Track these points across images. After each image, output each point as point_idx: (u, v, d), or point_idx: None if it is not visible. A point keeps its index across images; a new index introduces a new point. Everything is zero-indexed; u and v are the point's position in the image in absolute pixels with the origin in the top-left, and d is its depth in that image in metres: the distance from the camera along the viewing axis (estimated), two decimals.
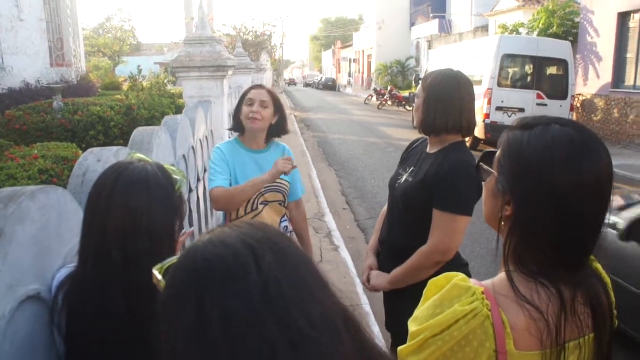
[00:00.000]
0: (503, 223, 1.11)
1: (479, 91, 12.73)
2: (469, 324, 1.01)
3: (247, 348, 0.64)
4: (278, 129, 2.94)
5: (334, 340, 0.67)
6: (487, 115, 12.36)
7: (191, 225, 3.93)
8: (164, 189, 1.39)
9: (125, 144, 2.77)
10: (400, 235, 2.34)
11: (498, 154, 1.15)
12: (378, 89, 29.08)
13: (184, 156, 3.60)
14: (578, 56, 14.81)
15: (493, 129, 12.17)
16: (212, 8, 25.72)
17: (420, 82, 2.39)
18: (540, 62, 12.64)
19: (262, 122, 2.80)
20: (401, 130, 16.55)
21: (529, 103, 12.32)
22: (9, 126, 8.91)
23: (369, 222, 7.16)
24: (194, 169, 4.08)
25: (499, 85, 12.46)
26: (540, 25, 16.26)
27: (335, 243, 6.08)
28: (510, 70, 13.13)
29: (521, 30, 17.44)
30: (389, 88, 26.54)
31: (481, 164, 1.23)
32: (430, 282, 1.12)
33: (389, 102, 25.09)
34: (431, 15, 29.56)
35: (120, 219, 1.31)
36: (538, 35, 15.88)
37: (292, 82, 65.70)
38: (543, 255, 1.04)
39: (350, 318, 0.74)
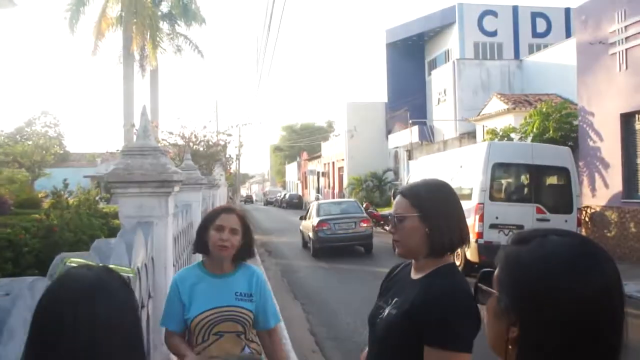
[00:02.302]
0: (510, 347, 1.14)
1: (468, 206, 12.82)
2: None
3: None
4: (245, 252, 3.22)
5: None
6: (480, 235, 12.31)
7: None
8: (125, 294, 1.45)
9: (41, 274, 2.70)
10: None
11: (497, 271, 1.20)
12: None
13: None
14: (581, 163, 15.26)
15: (487, 250, 11.99)
16: (156, 113, 26.46)
17: (402, 199, 2.30)
18: (537, 171, 12.97)
19: (232, 250, 3.09)
20: (380, 255, 16.57)
21: (528, 218, 12.44)
22: None
23: None
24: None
25: (492, 199, 12.61)
26: (534, 130, 16.87)
27: None
28: (504, 181, 13.43)
29: (513, 135, 18.04)
30: (364, 205, 26.96)
31: (479, 284, 1.28)
32: None
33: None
34: (410, 122, 30.78)
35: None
36: (532, 140, 16.43)
37: (249, 200, 66.57)
38: None
39: None
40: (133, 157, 5.00)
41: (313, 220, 17.97)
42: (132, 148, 5.00)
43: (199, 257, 4.25)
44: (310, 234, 17.97)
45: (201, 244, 3.21)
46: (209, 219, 3.17)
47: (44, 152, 35.11)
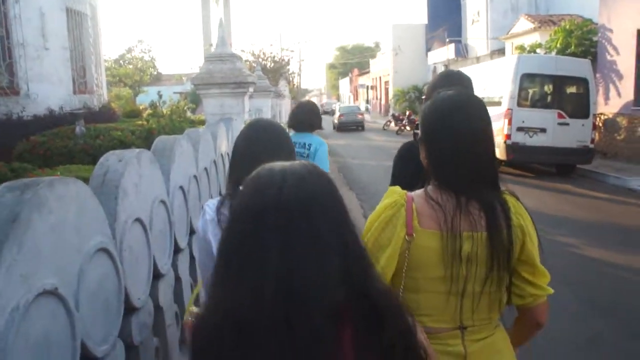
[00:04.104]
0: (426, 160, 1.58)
1: (499, 112, 12.53)
2: (390, 210, 1.50)
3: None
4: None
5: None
6: (508, 136, 12.09)
7: None
8: None
9: None
10: None
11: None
12: (396, 114, 29.02)
13: (205, 169, 3.53)
14: (598, 75, 14.57)
15: (514, 150, 11.95)
16: (230, 35, 26.12)
17: None
18: (560, 81, 12.39)
19: None
20: (369, 132, 16.34)
21: (550, 122, 12.06)
22: (33, 151, 8.98)
23: None
24: (216, 184, 4.00)
25: (519, 105, 12.21)
26: (558, 45, 16.03)
27: None
28: (530, 90, 12.91)
29: (538, 50, 17.23)
30: (407, 113, 26.48)
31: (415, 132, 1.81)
32: None
33: (407, 127, 24.97)
34: (447, 40, 29.52)
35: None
36: (556, 55, 15.69)
37: None
38: (443, 175, 1.50)
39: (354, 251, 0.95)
40: (213, 63, 4.92)
41: (336, 114, 31.38)
42: (212, 55, 4.91)
43: None
44: (335, 121, 30.33)
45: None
46: None
47: (141, 73, 35.47)
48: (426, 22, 36.19)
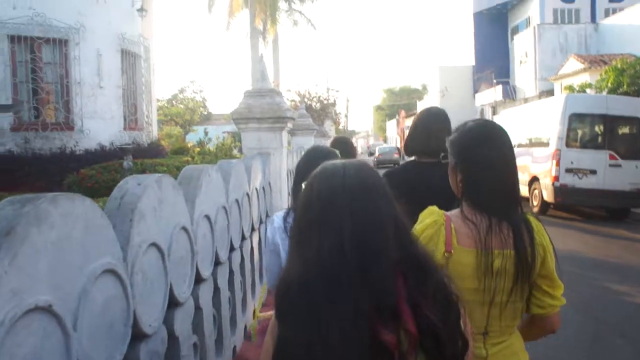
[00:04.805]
0: (460, 185, 1.76)
1: (547, 153, 12.19)
2: (432, 229, 1.67)
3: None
4: None
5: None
6: (556, 178, 11.67)
7: (242, 273, 3.78)
8: None
9: None
10: None
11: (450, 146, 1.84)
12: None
13: (237, 200, 3.51)
14: None
15: (563, 192, 11.52)
16: (278, 75, 26.73)
17: None
18: (610, 121, 11.93)
19: None
20: None
21: (601, 163, 11.60)
22: (81, 183, 9.30)
23: None
24: (248, 217, 3.98)
25: (568, 146, 11.82)
26: (609, 85, 15.57)
27: None
28: (579, 130, 12.51)
29: (588, 90, 16.79)
30: None
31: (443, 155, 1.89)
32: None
33: None
34: (494, 81, 29.29)
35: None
36: (607, 94, 15.24)
37: None
38: (476, 198, 1.69)
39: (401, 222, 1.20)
40: (253, 97, 4.97)
41: (376, 153, 35.90)
42: (252, 90, 4.97)
43: None
44: (374, 159, 33.53)
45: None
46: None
47: (192, 112, 36.55)
48: (473, 63, 36.12)
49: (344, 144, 4.09)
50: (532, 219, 1.70)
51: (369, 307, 1.06)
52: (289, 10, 28.56)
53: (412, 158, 2.72)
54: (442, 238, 1.65)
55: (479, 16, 34.55)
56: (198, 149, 15.35)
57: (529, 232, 1.65)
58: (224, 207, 3.08)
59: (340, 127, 41.64)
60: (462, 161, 1.75)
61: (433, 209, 1.74)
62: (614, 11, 26.70)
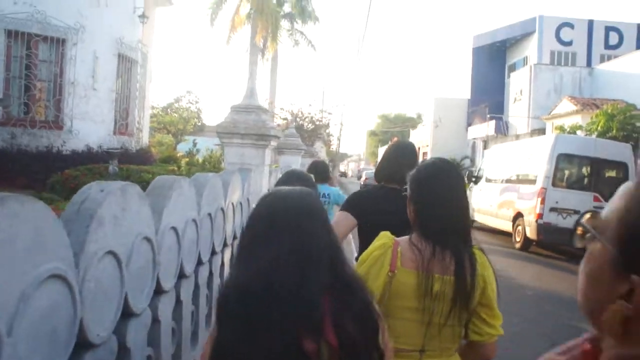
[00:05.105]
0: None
1: (532, 190, 12.30)
2: (380, 250, 1.86)
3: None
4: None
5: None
6: (540, 216, 11.79)
7: (210, 288, 3.74)
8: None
9: None
10: None
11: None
12: None
13: (209, 214, 3.49)
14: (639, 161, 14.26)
15: (546, 230, 11.62)
16: (274, 93, 26.87)
17: None
18: (598, 164, 12.14)
19: None
20: None
21: (586, 205, 11.68)
22: (64, 184, 9.23)
23: None
24: (221, 231, 3.95)
25: (554, 185, 11.96)
26: (599, 128, 15.85)
27: None
28: (566, 171, 12.66)
29: (578, 132, 17.04)
30: None
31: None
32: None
33: None
34: (488, 116, 29.59)
35: None
36: (596, 137, 15.45)
37: (343, 174, 67.35)
38: (424, 228, 1.86)
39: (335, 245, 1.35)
40: (239, 113, 4.99)
41: (363, 177, 34.76)
42: (239, 105, 4.99)
43: None
44: (362, 182, 32.64)
45: None
46: None
47: (186, 122, 36.47)
48: (469, 97, 36.50)
49: (324, 167, 4.66)
50: (477, 252, 1.87)
51: (297, 320, 1.20)
52: (291, 29, 28.82)
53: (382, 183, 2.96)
54: (388, 259, 1.83)
55: (478, 51, 35.04)
56: (187, 159, 15.32)
57: (471, 263, 1.81)
58: (194, 220, 3.06)
59: (332, 149, 41.73)
60: (415, 195, 1.94)
61: (385, 234, 1.93)
62: (609, 58, 27.18)
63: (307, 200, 1.37)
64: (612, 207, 0.82)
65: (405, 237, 1.90)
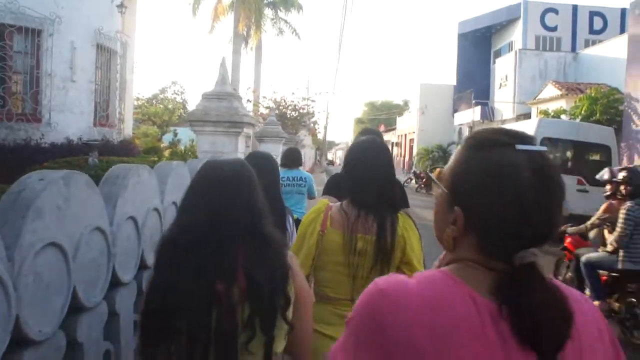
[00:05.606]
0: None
1: None
2: (315, 214, 2.21)
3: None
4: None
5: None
6: None
7: None
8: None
9: None
10: None
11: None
12: (417, 172, 28.83)
13: (174, 203, 3.40)
14: (622, 144, 14.38)
15: None
16: (259, 83, 26.59)
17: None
18: (581, 147, 12.20)
19: None
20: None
21: (569, 188, 11.72)
22: None
23: None
24: None
25: None
26: (583, 112, 15.85)
27: None
28: (550, 155, 12.70)
29: (562, 116, 17.04)
30: (436, 171, 26.22)
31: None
32: None
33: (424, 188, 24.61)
34: (474, 102, 29.55)
35: None
36: (580, 121, 15.49)
37: (330, 163, 67.27)
38: (352, 194, 2.18)
39: (258, 206, 1.60)
40: (210, 101, 4.88)
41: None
42: (210, 92, 4.87)
43: None
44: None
45: None
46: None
47: (171, 113, 36.13)
48: (455, 83, 36.47)
49: (297, 154, 4.95)
50: (401, 216, 2.18)
51: (213, 267, 1.44)
52: (275, 18, 28.47)
53: None
54: (320, 221, 2.17)
55: (463, 37, 34.99)
56: (170, 150, 15.16)
57: (392, 225, 2.09)
58: (157, 209, 2.97)
59: (319, 137, 41.53)
60: (346, 166, 2.26)
61: (322, 201, 2.30)
62: (594, 42, 27.22)
63: (235, 169, 1.60)
64: (449, 163, 1.11)
65: (338, 203, 2.24)
